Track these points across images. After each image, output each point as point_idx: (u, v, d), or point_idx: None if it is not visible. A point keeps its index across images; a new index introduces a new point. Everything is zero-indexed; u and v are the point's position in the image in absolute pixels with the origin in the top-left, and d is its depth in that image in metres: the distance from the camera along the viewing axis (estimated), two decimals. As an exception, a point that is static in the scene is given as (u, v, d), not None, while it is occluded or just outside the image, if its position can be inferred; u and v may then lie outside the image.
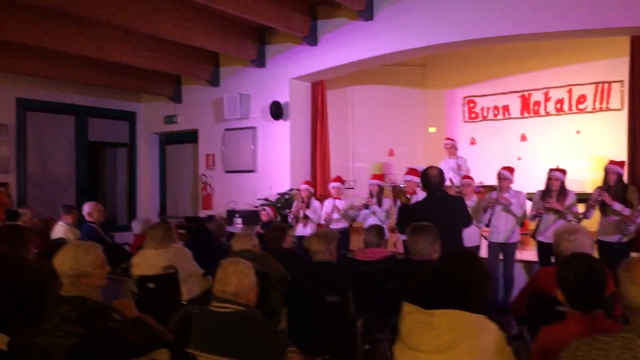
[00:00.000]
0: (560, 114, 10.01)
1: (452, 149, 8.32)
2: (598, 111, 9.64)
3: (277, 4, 7.98)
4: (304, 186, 7.82)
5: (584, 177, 9.02)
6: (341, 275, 3.40)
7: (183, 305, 4.13)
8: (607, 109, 9.55)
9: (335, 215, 7.41)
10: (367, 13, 8.12)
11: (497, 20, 7.26)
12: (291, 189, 9.01)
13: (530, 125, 10.32)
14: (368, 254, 4.49)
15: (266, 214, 7.98)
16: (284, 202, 8.79)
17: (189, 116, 10.56)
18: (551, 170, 6.14)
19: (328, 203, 7.55)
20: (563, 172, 6.07)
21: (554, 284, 2.88)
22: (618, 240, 5.53)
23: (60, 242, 6.12)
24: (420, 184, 4.68)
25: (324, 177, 9.41)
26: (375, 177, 7.36)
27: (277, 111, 9.14)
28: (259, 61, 9.40)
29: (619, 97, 9.40)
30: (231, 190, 9.86)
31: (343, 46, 8.51)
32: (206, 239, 5.21)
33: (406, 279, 3.26)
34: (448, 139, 8.64)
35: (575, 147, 9.70)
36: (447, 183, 7.89)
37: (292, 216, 7.69)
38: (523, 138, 10.41)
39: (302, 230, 7.64)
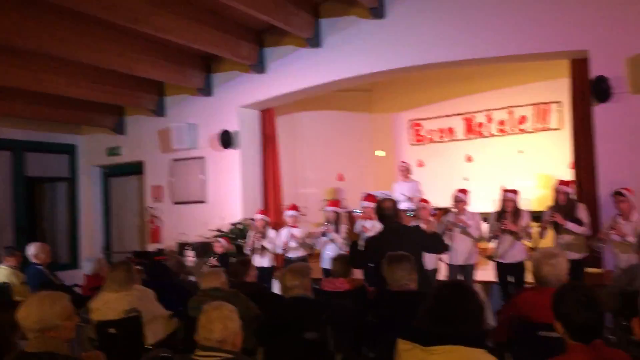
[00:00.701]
0: (503, 135, 10.33)
1: (405, 171, 8.40)
2: (539, 131, 10.00)
3: (224, 32, 7.90)
4: (258, 216, 7.70)
5: (530, 195, 9.29)
6: (319, 311, 3.30)
7: (147, 350, 3.92)
8: (547, 129, 9.93)
9: (293, 244, 7.30)
10: (315, 41, 8.15)
11: (443, 46, 7.43)
12: (244, 219, 8.84)
13: (475, 146, 10.58)
14: (337, 285, 4.42)
15: (220, 246, 7.78)
16: (238, 233, 8.61)
17: (134, 147, 10.25)
18: (505, 191, 6.28)
19: (285, 232, 7.44)
20: (515, 192, 6.22)
21: (536, 310, 2.90)
22: (575, 258, 5.68)
23: (4, 287, 5.77)
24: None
25: (277, 205, 9.31)
26: (331, 203, 7.32)
27: (226, 140, 9.00)
28: (206, 90, 9.27)
29: (557, 117, 9.80)
30: (181, 222, 9.58)
31: (292, 74, 8.50)
32: (165, 277, 4.99)
33: (386, 310, 3.21)
34: (402, 162, 8.72)
35: (519, 166, 9.99)
36: (407, 205, 7.95)
37: (248, 247, 7.52)
38: (469, 159, 10.65)
39: (260, 261, 7.49)
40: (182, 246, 8.98)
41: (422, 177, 9.70)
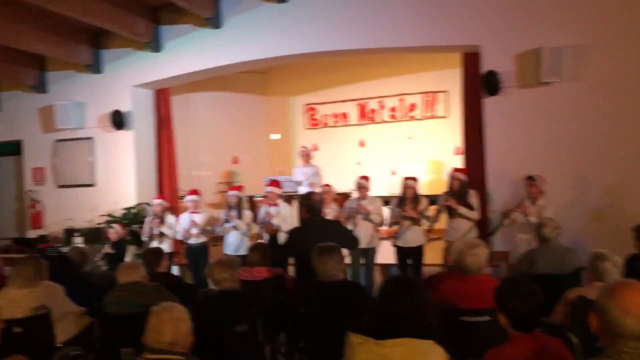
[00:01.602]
0: (394, 121, 10.76)
1: (306, 156, 8.47)
2: (427, 119, 10.53)
3: (117, 7, 7.45)
4: (157, 201, 7.43)
5: (421, 180, 9.76)
6: (249, 303, 3.29)
7: (58, 348, 3.69)
8: (434, 117, 10.48)
9: (194, 231, 7.14)
10: (215, 21, 7.94)
11: (342, 34, 7.53)
12: (138, 203, 8.48)
13: (368, 132, 10.95)
14: (254, 274, 4.41)
15: (115, 232, 7.41)
16: (131, 218, 8.25)
17: (10, 126, 9.41)
18: (405, 179, 6.54)
19: (185, 218, 7.24)
20: (415, 179, 6.52)
21: (459, 296, 3.10)
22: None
23: None
24: (303, 208, 4.67)
25: (172, 189, 9.02)
26: (233, 188, 7.23)
27: (118, 120, 8.54)
28: (95, 67, 8.71)
29: (444, 105, 10.37)
30: (66, 206, 8.99)
31: (190, 54, 8.22)
32: (66, 270, 4.67)
33: (317, 301, 3.27)
34: (303, 146, 8.77)
35: (408, 152, 10.50)
36: (307, 189, 8.04)
37: (146, 233, 7.25)
38: (362, 144, 11.00)
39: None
40: (69, 232, 8.48)
41: (316, 161, 9.86)
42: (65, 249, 8.17)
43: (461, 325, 3.08)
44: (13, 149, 9.49)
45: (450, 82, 10.16)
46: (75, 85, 8.94)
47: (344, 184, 8.39)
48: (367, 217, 6.47)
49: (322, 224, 4.53)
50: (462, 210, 6.04)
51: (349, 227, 6.36)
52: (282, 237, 6.74)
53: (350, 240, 4.54)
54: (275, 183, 7.09)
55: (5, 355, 3.48)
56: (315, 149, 11.13)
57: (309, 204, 4.55)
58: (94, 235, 8.45)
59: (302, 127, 11.43)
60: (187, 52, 8.24)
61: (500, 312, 2.25)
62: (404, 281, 2.35)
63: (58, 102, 8.74)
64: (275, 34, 7.78)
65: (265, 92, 11.64)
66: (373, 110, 10.91)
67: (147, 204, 8.51)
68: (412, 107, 10.63)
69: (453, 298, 3.13)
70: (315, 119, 11.35)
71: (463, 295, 3.10)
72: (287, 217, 6.93)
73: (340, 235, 4.43)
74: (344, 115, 11.10)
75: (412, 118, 10.63)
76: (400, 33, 7.31)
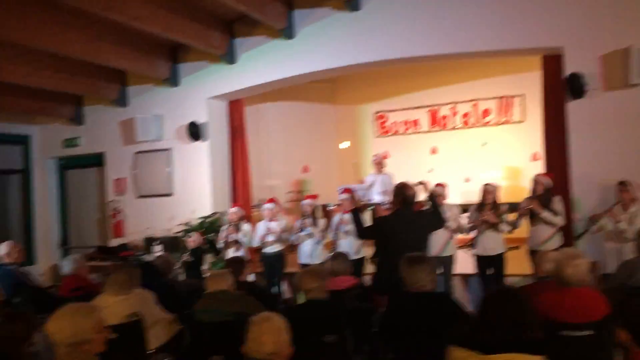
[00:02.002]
0: (467, 127, 10.53)
1: (379, 164, 8.43)
2: (502, 124, 10.23)
3: (196, 22, 7.67)
4: (233, 209, 7.56)
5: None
6: (338, 314, 3.26)
7: (150, 354, 3.78)
8: (509, 122, 10.18)
9: (270, 238, 7.21)
10: (288, 31, 8.02)
11: (417, 40, 7.43)
12: (215, 212, 8.66)
13: (440, 139, 10.76)
14: (337, 283, 4.38)
15: (193, 240, 7.58)
16: (208, 227, 8.43)
17: (93, 139, 9.84)
18: (485, 184, 6.39)
19: (261, 226, 7.34)
20: (495, 185, 6.35)
21: (558, 310, 2.96)
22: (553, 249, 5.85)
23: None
24: (396, 198, 4.65)
25: (246, 198, 9.16)
26: (308, 197, 7.26)
27: (195, 132, 8.77)
28: (173, 80, 8.98)
29: (520, 110, 10.06)
30: (145, 216, 9.29)
31: (264, 65, 8.34)
32: (153, 277, 4.81)
33: (407, 312, 3.20)
34: (375, 155, 8.73)
35: (483, 159, 10.23)
36: (380, 197, 8.00)
37: (222, 241, 7.38)
38: (433, 151, 10.81)
39: (233, 255, 7.35)
40: (149, 241, 8.74)
41: (387, 169, 9.76)
42: (146, 257, 8.46)
43: (561, 340, 2.93)
44: (96, 160, 9.91)
45: (526, 85, 9.87)
46: (153, 99, 9.25)
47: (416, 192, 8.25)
48: (444, 224, 6.33)
49: (412, 214, 4.50)
50: (546, 214, 5.81)
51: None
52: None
53: (437, 220, 4.48)
54: (348, 191, 7.06)
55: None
56: (386, 156, 11.04)
57: (402, 193, 4.50)
58: (173, 243, 8.67)
59: (373, 135, 11.35)
60: (261, 63, 8.37)
61: (623, 328, 2.12)
62: (507, 292, 2.26)
63: (138, 115, 9.06)
64: (348, 43, 7.78)
65: (334, 101, 11.66)
66: (445, 117, 10.72)
67: (223, 212, 8.68)
68: (486, 112, 10.37)
69: (551, 311, 2.98)
70: (386, 127, 11.25)
71: (563, 309, 2.95)
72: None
73: (427, 220, 4.39)
74: (415, 122, 10.96)
75: (486, 124, 10.36)
76: (477, 37, 7.14)
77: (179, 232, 8.61)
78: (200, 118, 8.85)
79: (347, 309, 3.36)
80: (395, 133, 11.14)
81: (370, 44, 7.65)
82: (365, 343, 3.54)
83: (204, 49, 8.18)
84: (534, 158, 9.87)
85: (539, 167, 9.63)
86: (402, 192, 4.53)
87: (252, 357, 2.25)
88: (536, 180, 6.02)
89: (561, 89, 6.78)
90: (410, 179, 9.13)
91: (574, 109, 6.60)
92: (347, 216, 6.80)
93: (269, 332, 2.25)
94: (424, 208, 5.08)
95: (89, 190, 10.33)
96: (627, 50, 6.17)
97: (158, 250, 8.58)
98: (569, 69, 6.59)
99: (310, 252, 6.98)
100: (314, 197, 7.23)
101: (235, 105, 9.20)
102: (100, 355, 3.72)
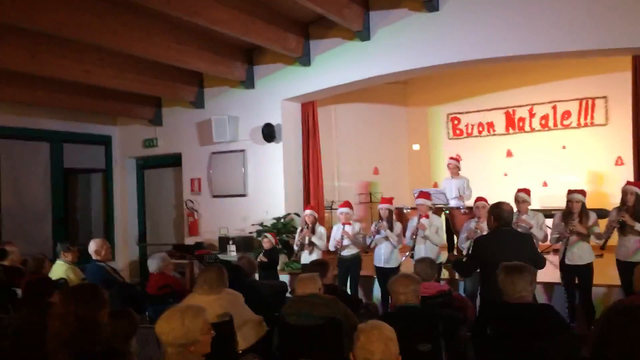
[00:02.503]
0: (545, 130, 10.17)
1: (455, 168, 8.27)
2: (583, 127, 9.83)
3: (273, 24, 7.75)
4: (308, 211, 7.56)
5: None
6: (433, 322, 3.19)
7: (239, 355, 3.82)
8: (592, 124, 9.76)
9: (346, 242, 7.19)
10: (364, 33, 7.98)
11: (498, 41, 7.24)
12: (288, 214, 8.73)
13: (516, 141, 10.45)
14: (422, 289, 4.29)
15: (269, 241, 7.65)
16: (281, 227, 8.50)
17: (171, 139, 10.13)
18: (570, 191, 6.12)
19: (337, 229, 7.32)
20: (583, 193, 6.07)
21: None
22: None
23: (62, 284, 5.67)
24: (491, 217, 4.50)
25: (318, 199, 9.17)
26: (384, 200, 7.18)
27: (269, 133, 8.86)
28: (248, 82, 9.12)
29: (603, 112, 9.63)
30: (219, 215, 9.48)
31: (339, 67, 8.33)
32: (238, 278, 4.87)
33: (506, 324, 3.09)
34: (452, 158, 8.59)
35: (562, 162, 9.87)
36: (456, 201, 7.85)
37: (297, 243, 7.42)
38: (509, 154, 10.52)
39: (308, 257, 7.38)
40: (224, 240, 8.89)
41: (462, 171, 9.54)
42: (222, 256, 8.63)
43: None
44: (173, 160, 10.19)
45: (609, 87, 9.47)
46: (229, 100, 9.43)
47: (490, 195, 8.01)
48: (527, 231, 6.13)
49: (512, 235, 4.35)
50: (639, 226, 5.51)
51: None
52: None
53: (539, 259, 4.29)
54: (425, 195, 6.95)
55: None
56: (459, 159, 10.82)
57: (498, 213, 4.37)
58: (246, 243, 8.81)
59: (446, 137, 11.15)
60: (336, 65, 8.37)
61: None
62: (633, 311, 2.13)
63: (215, 116, 9.25)
64: (425, 44, 7.65)
65: (405, 103, 11.55)
66: (522, 119, 10.39)
67: (297, 214, 8.74)
68: (566, 114, 9.98)
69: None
70: (459, 129, 11.03)
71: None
72: (439, 228, 6.77)
73: (528, 250, 4.23)
74: (490, 125, 10.69)
75: (566, 126, 9.97)
76: (563, 37, 6.88)
77: (253, 232, 8.72)
78: (275, 120, 8.95)
79: (441, 317, 3.28)
80: (469, 135, 10.91)
81: (448, 45, 7.51)
82: (455, 353, 3.45)
83: (280, 51, 8.25)
84: (618, 163, 9.46)
85: (623, 171, 9.27)
86: (497, 209, 4.39)
87: (360, 366, 2.22)
88: (626, 190, 5.71)
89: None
90: (484, 182, 9.01)
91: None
92: (425, 220, 6.72)
93: (379, 340, 2.21)
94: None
95: (165, 190, 10.64)
96: None
97: (232, 249, 8.74)
98: (663, 69, 6.24)
99: (386, 255, 6.91)
100: (389, 200, 7.13)
101: (309, 107, 9.24)
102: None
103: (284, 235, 8.41)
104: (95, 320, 2.67)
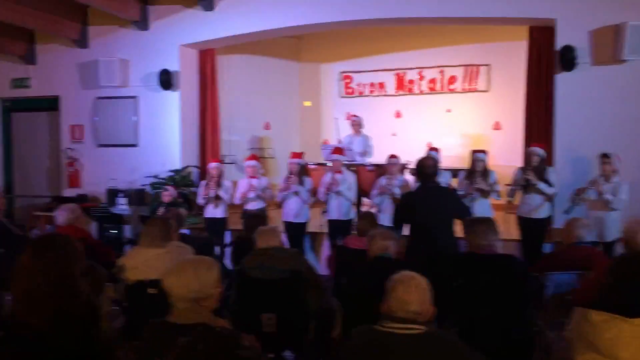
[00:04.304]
0: (433, 93, 10.65)
1: (357, 125, 8.36)
2: (467, 91, 10.43)
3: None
4: (214, 164, 7.28)
5: (456, 153, 9.70)
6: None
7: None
8: (475, 90, 10.39)
9: (252, 195, 7.03)
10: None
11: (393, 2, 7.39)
12: (187, 166, 8.32)
13: (405, 103, 10.81)
14: (364, 243, 4.33)
15: (169, 194, 7.24)
16: (179, 180, 8.09)
17: (47, 80, 9.08)
18: (474, 151, 6.52)
19: (243, 182, 7.14)
20: (485, 152, 6.49)
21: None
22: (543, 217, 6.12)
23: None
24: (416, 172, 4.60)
25: (215, 152, 8.85)
26: (294, 155, 7.10)
27: (166, 80, 8.30)
28: (142, 23, 8.41)
29: (486, 79, 10.28)
30: (105, 166, 8.76)
31: (243, 14, 7.98)
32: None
33: (476, 274, 3.22)
34: (354, 115, 8.67)
35: (446, 125, 10.41)
36: (359, 159, 7.97)
37: (203, 197, 7.12)
38: (397, 115, 10.88)
39: (213, 211, 7.14)
40: (114, 193, 8.28)
41: (349, 130, 9.68)
42: (112, 210, 8.04)
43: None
44: (48, 104, 9.20)
45: (492, 55, 10.12)
46: (118, 42, 8.65)
47: (379, 155, 8.27)
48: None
49: (438, 190, 4.49)
50: (542, 185, 6.01)
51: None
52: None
53: (464, 210, 4.48)
54: (339, 150, 7.00)
55: (142, 316, 3.38)
56: (349, 118, 10.97)
57: (420, 170, 4.47)
58: (138, 196, 8.29)
59: (337, 95, 11.24)
60: (241, 12, 7.99)
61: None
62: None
63: (103, 58, 8.44)
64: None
65: (298, 58, 11.40)
66: (411, 81, 10.77)
67: (196, 166, 8.36)
68: (452, 79, 10.52)
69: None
70: (351, 87, 11.17)
71: None
72: (352, 185, 6.86)
73: (456, 203, 4.41)
74: (381, 85, 10.95)
75: (452, 90, 10.51)
76: (467, 3, 7.16)
77: (148, 185, 8.21)
78: (171, 66, 8.38)
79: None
80: (361, 94, 11.08)
81: (343, 2, 7.49)
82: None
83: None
84: (496, 127, 10.20)
85: (500, 135, 10.04)
86: (419, 166, 4.52)
87: (396, 317, 2.17)
88: (531, 152, 6.19)
89: (547, 60, 6.97)
90: (374, 141, 9.22)
91: (562, 81, 6.80)
92: (339, 176, 6.77)
93: (416, 290, 2.17)
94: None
95: (38, 136, 9.59)
96: (619, 27, 6.40)
97: (122, 203, 8.18)
98: (560, 41, 6.76)
99: (296, 211, 6.88)
100: (299, 155, 7.07)
101: (207, 55, 8.78)
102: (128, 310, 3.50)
103: (183, 189, 8.02)
104: (72, 276, 2.33)
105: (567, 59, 6.63)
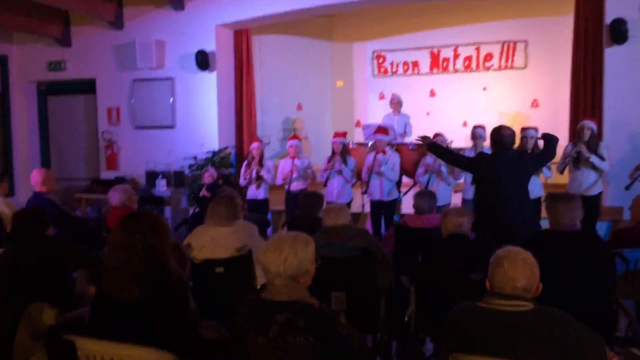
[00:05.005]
0: (468, 71, 10.46)
1: (398, 104, 8.25)
2: (503, 69, 10.23)
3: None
4: (255, 144, 7.25)
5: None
6: (486, 251, 3.16)
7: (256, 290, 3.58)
8: (512, 67, 10.18)
9: (295, 175, 7.00)
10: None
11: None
12: (225, 147, 8.30)
13: (439, 81, 10.64)
14: (424, 221, 4.28)
15: (210, 175, 7.24)
16: (218, 161, 8.07)
17: (83, 63, 9.08)
18: (524, 128, 6.38)
19: (285, 162, 7.10)
20: (536, 129, 6.35)
21: None
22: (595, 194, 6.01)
23: (-3, 219, 4.99)
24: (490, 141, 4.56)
25: (251, 133, 8.81)
26: (337, 134, 7.03)
27: (203, 61, 8.25)
28: (177, 3, 8.35)
29: (523, 56, 10.07)
30: (142, 148, 8.78)
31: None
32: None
33: (558, 251, 3.14)
34: (394, 94, 8.55)
35: (482, 104, 10.24)
36: (400, 140, 7.88)
37: (246, 177, 7.10)
38: (432, 94, 10.72)
39: (255, 192, 7.13)
40: (153, 175, 8.30)
41: (382, 110, 9.57)
42: (152, 192, 8.07)
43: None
44: (84, 87, 9.21)
45: (529, 31, 9.90)
46: (154, 23, 8.61)
47: (413, 135, 8.17)
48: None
49: (513, 158, 4.41)
50: (594, 159, 5.88)
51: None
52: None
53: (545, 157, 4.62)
54: (382, 130, 6.91)
55: (207, 295, 3.38)
56: (382, 97, 10.85)
57: (498, 138, 4.39)
58: (177, 178, 8.30)
59: (370, 74, 11.10)
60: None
61: None
62: None
63: (140, 39, 8.40)
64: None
65: (330, 37, 11.26)
66: (446, 59, 10.59)
67: (234, 147, 8.35)
68: (488, 56, 10.32)
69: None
70: (384, 67, 11.02)
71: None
72: (396, 166, 6.77)
73: (533, 159, 4.41)
74: (415, 64, 10.77)
75: (488, 68, 10.32)
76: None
77: (187, 166, 8.21)
78: (208, 47, 8.33)
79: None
80: (394, 74, 10.93)
81: None
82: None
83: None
84: (534, 105, 10.02)
85: (538, 114, 9.86)
86: (496, 134, 4.42)
87: (503, 293, 2.11)
88: (583, 126, 6.04)
89: (595, 34, 6.79)
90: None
91: (612, 55, 6.62)
92: (381, 156, 6.69)
93: (523, 266, 2.11)
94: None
95: (74, 119, 9.62)
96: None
97: (162, 184, 8.20)
98: (609, 14, 6.57)
99: (338, 190, 6.83)
100: (343, 134, 7.00)
101: (244, 35, 8.70)
102: (210, 289, 3.50)
103: (223, 170, 8.01)
104: (164, 252, 2.31)
105: (618, 32, 6.44)
